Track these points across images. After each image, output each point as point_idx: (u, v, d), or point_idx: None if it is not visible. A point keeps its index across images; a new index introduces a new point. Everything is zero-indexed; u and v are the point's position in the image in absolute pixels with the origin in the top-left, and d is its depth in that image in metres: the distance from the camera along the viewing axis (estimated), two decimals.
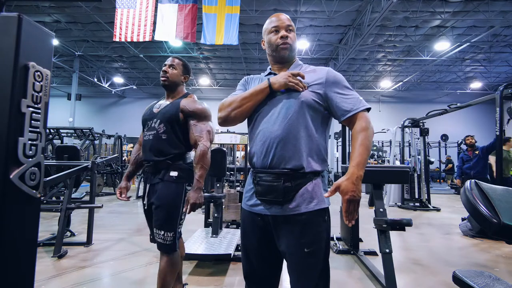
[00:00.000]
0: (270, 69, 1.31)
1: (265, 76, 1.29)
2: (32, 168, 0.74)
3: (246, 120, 1.26)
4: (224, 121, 1.22)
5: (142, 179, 1.93)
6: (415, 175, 6.93)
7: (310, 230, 1.09)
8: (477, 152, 5.30)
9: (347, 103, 1.13)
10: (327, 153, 1.18)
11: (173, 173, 1.74)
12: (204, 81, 16.47)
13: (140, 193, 6.76)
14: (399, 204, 6.92)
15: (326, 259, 1.11)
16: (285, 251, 1.11)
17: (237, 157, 8.25)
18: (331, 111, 1.17)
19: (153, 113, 1.84)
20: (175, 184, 1.73)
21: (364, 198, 7.07)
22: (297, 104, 1.13)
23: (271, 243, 1.16)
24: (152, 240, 1.79)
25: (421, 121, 7.09)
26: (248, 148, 1.26)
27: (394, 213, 5.94)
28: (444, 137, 14.26)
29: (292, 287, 1.11)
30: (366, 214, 4.62)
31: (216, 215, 3.26)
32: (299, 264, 1.08)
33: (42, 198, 0.79)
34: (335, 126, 12.27)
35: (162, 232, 1.67)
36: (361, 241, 3.69)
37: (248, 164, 1.25)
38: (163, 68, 1.84)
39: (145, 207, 1.82)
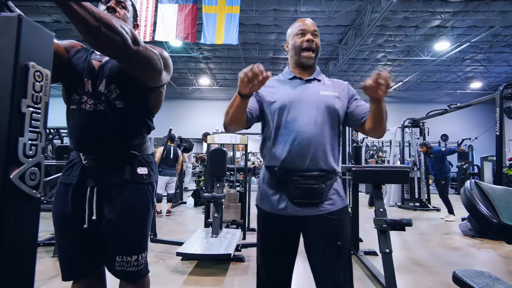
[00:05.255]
0: (291, 71, 1.31)
1: (290, 79, 1.28)
2: (32, 168, 0.74)
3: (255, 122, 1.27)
4: (226, 127, 1.22)
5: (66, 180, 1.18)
6: (416, 175, 6.93)
7: (340, 226, 1.18)
8: (432, 156, 5.90)
9: (364, 109, 1.25)
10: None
11: (142, 170, 1.19)
12: (204, 81, 16.46)
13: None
14: (399, 204, 6.92)
15: (350, 249, 1.23)
16: (317, 248, 1.16)
17: (237, 157, 8.25)
18: (348, 117, 1.26)
19: (92, 66, 1.15)
20: (145, 186, 1.19)
21: (364, 198, 7.08)
22: (330, 110, 1.19)
23: (295, 245, 1.21)
24: (112, 271, 1.17)
25: (421, 121, 7.09)
26: (271, 148, 1.20)
27: (394, 213, 5.93)
28: (444, 137, 14.24)
29: (320, 279, 1.16)
30: (366, 214, 4.62)
31: (216, 215, 3.26)
32: (332, 257, 1.15)
33: (42, 198, 0.79)
34: None
35: (135, 257, 1.15)
36: (361, 241, 3.69)
37: (268, 164, 1.23)
38: (109, 4, 1.18)
39: (86, 225, 1.11)
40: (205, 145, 6.18)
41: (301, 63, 1.26)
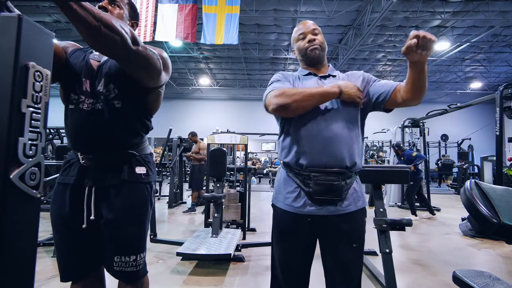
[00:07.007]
0: (305, 69, 1.31)
1: (304, 75, 1.28)
2: (32, 168, 0.74)
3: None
4: (283, 109, 1.10)
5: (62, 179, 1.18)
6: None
7: (358, 227, 1.17)
8: (402, 158, 5.95)
9: (388, 83, 1.20)
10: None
11: (140, 170, 1.19)
12: (204, 81, 16.46)
13: None
14: (399, 204, 6.91)
15: (363, 252, 1.22)
16: (334, 248, 1.15)
17: (237, 157, 8.24)
18: (375, 98, 1.20)
19: (91, 66, 1.15)
20: (144, 185, 1.19)
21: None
22: (350, 105, 1.16)
23: (313, 244, 1.19)
24: (110, 271, 1.16)
25: (421, 121, 7.09)
26: (289, 145, 1.18)
27: (394, 213, 5.93)
28: (444, 137, 14.25)
29: (333, 279, 1.15)
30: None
31: (216, 215, 3.26)
32: (348, 259, 1.14)
33: (42, 198, 0.79)
34: None
35: (134, 257, 1.14)
36: None
37: (286, 160, 1.21)
38: (101, 4, 1.16)
39: (84, 225, 1.11)
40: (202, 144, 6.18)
41: (310, 61, 1.27)
